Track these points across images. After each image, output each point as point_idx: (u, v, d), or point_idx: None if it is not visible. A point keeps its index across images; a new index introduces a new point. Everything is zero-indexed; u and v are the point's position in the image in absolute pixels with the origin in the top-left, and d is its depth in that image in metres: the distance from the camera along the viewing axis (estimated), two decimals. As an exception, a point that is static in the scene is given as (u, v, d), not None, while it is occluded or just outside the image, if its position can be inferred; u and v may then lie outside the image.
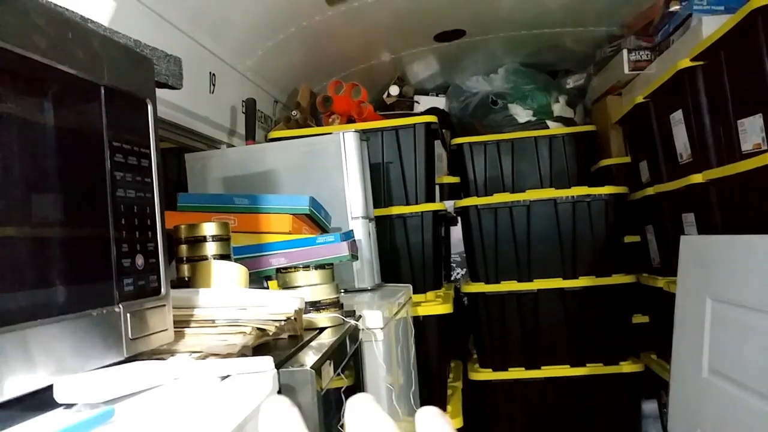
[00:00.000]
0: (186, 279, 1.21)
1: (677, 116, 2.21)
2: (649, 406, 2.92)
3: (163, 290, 0.86)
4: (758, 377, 1.50)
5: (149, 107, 0.88)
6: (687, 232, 2.23)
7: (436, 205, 2.54)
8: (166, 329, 0.86)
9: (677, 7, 2.36)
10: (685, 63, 2.04)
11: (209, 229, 1.24)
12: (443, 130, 3.15)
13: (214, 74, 2.17)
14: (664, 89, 2.26)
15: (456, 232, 3.23)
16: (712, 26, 1.91)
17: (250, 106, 2.42)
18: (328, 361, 1.01)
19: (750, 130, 1.73)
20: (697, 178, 2.04)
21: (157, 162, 0.87)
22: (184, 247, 1.24)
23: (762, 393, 1.48)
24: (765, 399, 1.46)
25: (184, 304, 0.95)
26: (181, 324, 0.93)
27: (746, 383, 1.55)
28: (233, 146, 2.37)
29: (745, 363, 1.58)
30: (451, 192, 3.17)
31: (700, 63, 2.00)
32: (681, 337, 1.98)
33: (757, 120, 1.68)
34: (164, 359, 0.85)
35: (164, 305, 0.86)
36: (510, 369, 2.85)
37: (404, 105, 3.33)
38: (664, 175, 2.41)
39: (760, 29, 1.60)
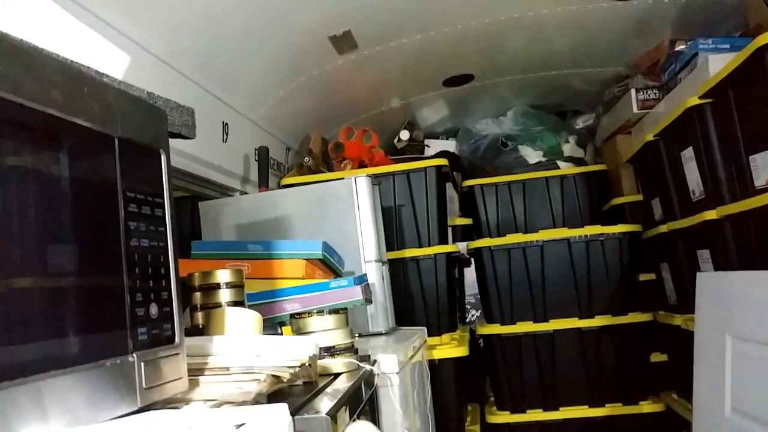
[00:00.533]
0: (200, 326, 1.21)
1: (688, 153, 2.21)
2: (673, 448, 2.84)
3: (177, 339, 0.86)
4: (785, 417, 1.46)
5: (163, 157, 0.90)
6: (703, 269, 2.20)
7: (449, 247, 2.54)
8: (181, 378, 0.85)
9: (683, 46, 2.39)
10: (694, 101, 2.05)
11: (223, 276, 1.25)
12: (454, 173, 3.17)
13: (226, 123, 2.21)
14: (673, 127, 2.27)
15: (470, 274, 3.21)
16: (718, 64, 1.92)
17: (262, 153, 2.45)
18: (343, 407, 1.00)
19: (762, 165, 1.73)
20: (711, 214, 2.03)
21: (170, 211, 0.88)
22: (198, 295, 1.25)
23: (790, 434, 1.43)
24: (794, 440, 1.42)
25: (199, 351, 0.95)
26: (196, 372, 0.93)
27: (773, 423, 1.51)
28: (246, 193, 2.40)
29: (770, 402, 1.54)
30: (464, 233, 3.17)
31: (709, 101, 2.01)
32: (702, 375, 1.93)
33: (768, 155, 1.68)
34: (179, 408, 0.85)
35: (178, 354, 0.85)
36: (528, 411, 2.79)
37: (415, 149, 3.36)
38: (677, 212, 2.40)
39: (767, 65, 1.61)
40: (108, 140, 0.79)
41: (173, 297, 0.87)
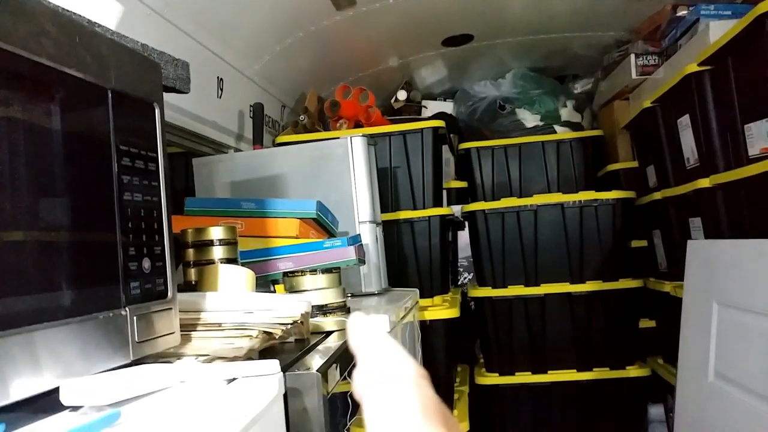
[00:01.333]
0: (193, 283, 1.21)
1: (684, 121, 2.20)
2: (656, 411, 2.91)
3: (170, 294, 0.86)
4: (764, 381, 1.49)
5: (156, 111, 0.89)
6: (694, 237, 2.22)
7: (443, 210, 2.55)
8: (173, 332, 0.86)
9: (684, 12, 2.35)
10: (693, 68, 2.03)
11: (216, 233, 1.25)
12: (451, 135, 3.15)
13: (221, 79, 2.18)
14: (671, 94, 2.26)
15: (463, 237, 3.22)
16: (719, 31, 1.90)
17: (257, 110, 2.43)
18: (334, 365, 1.01)
19: (757, 134, 1.73)
20: (704, 182, 2.03)
21: (164, 166, 0.88)
22: (191, 251, 1.25)
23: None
24: (773, 405, 1.45)
25: (191, 307, 0.95)
26: (188, 327, 0.94)
27: (752, 387, 1.54)
28: (241, 151, 2.38)
29: (751, 367, 1.57)
30: (459, 197, 3.17)
31: (708, 68, 2.00)
32: (687, 341, 1.97)
33: (764, 125, 1.68)
34: (171, 362, 0.86)
35: (171, 308, 0.86)
36: (516, 373, 2.84)
37: (412, 110, 3.33)
38: (672, 179, 2.40)
39: (767, 34, 1.60)
40: (101, 92, 0.78)
41: (166, 252, 0.87)
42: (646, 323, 2.87)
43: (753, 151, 1.76)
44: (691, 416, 1.89)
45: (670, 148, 2.39)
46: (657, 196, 2.53)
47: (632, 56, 2.70)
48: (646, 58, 2.69)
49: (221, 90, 2.19)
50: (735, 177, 1.83)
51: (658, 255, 2.71)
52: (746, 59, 1.77)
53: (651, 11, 2.62)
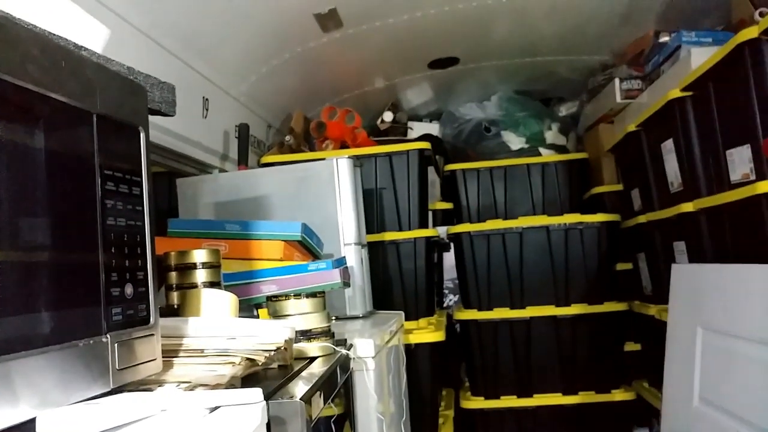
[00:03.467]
0: (175, 306, 1.20)
1: (668, 145, 2.23)
2: (642, 435, 2.90)
3: (152, 320, 0.85)
4: (748, 406, 1.49)
5: (141, 135, 0.88)
6: (678, 261, 2.23)
7: (429, 232, 2.54)
8: (155, 359, 0.85)
9: (667, 38, 2.40)
10: (675, 93, 2.06)
11: (199, 256, 1.23)
12: (437, 156, 3.16)
13: (207, 99, 2.18)
14: (655, 118, 2.29)
15: (449, 258, 3.22)
16: (700, 58, 1.94)
17: (243, 130, 2.42)
18: (318, 392, 1.00)
19: (738, 160, 1.75)
20: (688, 206, 2.05)
21: (148, 190, 0.87)
22: (173, 274, 1.23)
23: (752, 422, 1.47)
24: (755, 428, 1.45)
25: (173, 333, 0.94)
26: (170, 353, 0.92)
27: (736, 412, 1.55)
28: (225, 171, 2.37)
29: (735, 392, 1.57)
30: (444, 218, 3.18)
31: (690, 93, 2.03)
32: (672, 365, 1.97)
33: (745, 150, 1.70)
34: (152, 390, 0.84)
35: (153, 335, 0.84)
36: (502, 397, 2.82)
37: (398, 131, 3.35)
38: (656, 203, 2.43)
39: (747, 61, 1.63)
40: (86, 116, 0.77)
41: (149, 277, 0.85)
42: (631, 346, 2.88)
43: (735, 176, 1.78)
44: (676, 441, 1.89)
45: (654, 171, 2.41)
46: (642, 219, 2.55)
47: (617, 80, 2.74)
48: (630, 82, 2.73)
49: (206, 110, 2.18)
50: (717, 202, 1.85)
51: (643, 278, 2.72)
52: (727, 86, 1.80)
53: (635, 36, 2.66)
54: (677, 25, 2.35)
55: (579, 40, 2.80)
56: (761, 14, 1.77)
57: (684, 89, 2.03)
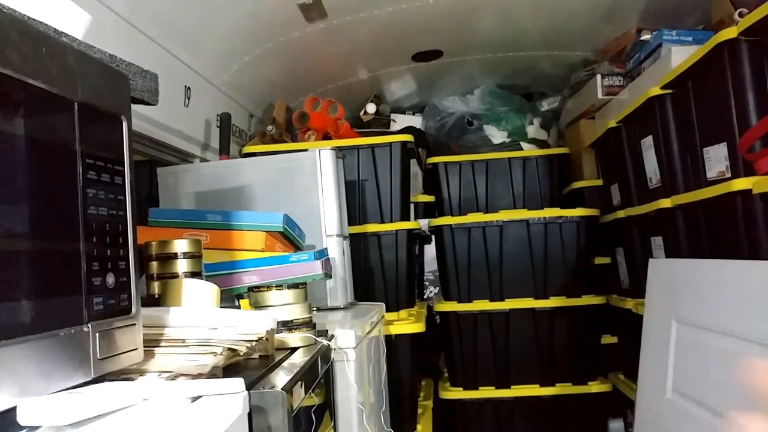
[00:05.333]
0: (156, 296, 1.19)
1: (648, 141, 2.26)
2: (616, 425, 2.95)
3: (133, 309, 0.85)
4: (719, 398, 1.53)
5: (124, 124, 0.87)
6: (655, 255, 2.27)
7: (410, 224, 2.55)
8: (136, 349, 0.84)
9: (648, 36, 2.42)
10: (655, 91, 2.09)
11: (181, 246, 1.23)
12: (419, 149, 3.17)
13: (189, 88, 2.16)
14: (635, 115, 2.32)
15: (430, 251, 3.24)
16: (680, 56, 1.96)
17: (224, 120, 2.41)
18: (299, 382, 1.00)
19: (714, 158, 1.78)
20: (666, 202, 2.09)
21: (130, 179, 0.86)
22: (154, 264, 1.23)
23: (723, 413, 1.50)
24: (725, 419, 1.49)
25: (155, 323, 0.94)
26: (151, 343, 0.92)
27: (708, 404, 1.58)
28: (207, 161, 2.36)
29: (707, 384, 1.61)
30: (426, 211, 3.19)
31: (669, 91, 2.06)
32: (647, 357, 2.01)
33: (722, 148, 1.73)
34: (133, 379, 0.84)
35: (135, 324, 0.84)
36: (480, 388, 2.85)
37: (381, 123, 3.35)
38: (635, 198, 2.46)
39: (726, 61, 1.65)
40: (67, 104, 0.77)
41: (131, 267, 0.85)
42: (608, 339, 2.92)
43: (711, 173, 1.82)
44: (649, 431, 1.92)
45: (633, 167, 2.45)
46: (620, 214, 2.58)
47: (598, 76, 2.76)
48: (612, 79, 2.76)
49: (188, 99, 2.17)
50: (694, 198, 1.88)
51: (620, 272, 2.76)
52: (705, 85, 1.83)
53: (617, 33, 2.68)
54: (659, 23, 2.38)
55: (562, 35, 2.82)
56: (740, 15, 1.80)
57: (664, 87, 2.06)
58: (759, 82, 1.60)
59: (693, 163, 1.93)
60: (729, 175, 1.71)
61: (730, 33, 1.61)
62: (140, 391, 0.77)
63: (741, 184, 1.60)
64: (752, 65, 1.61)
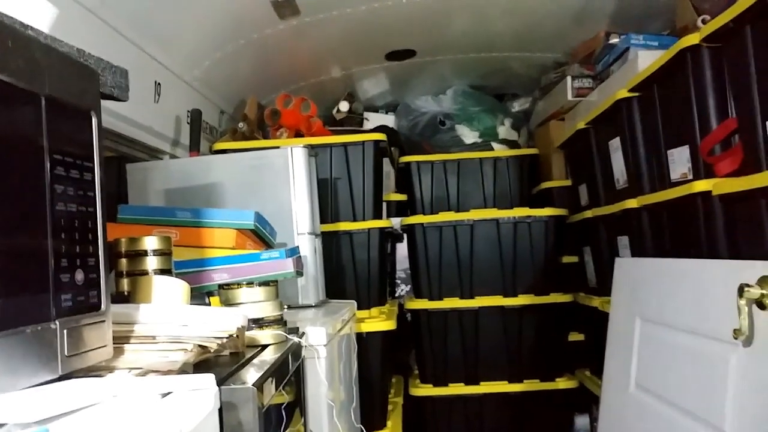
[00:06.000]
0: (126, 293, 1.18)
1: (615, 143, 2.31)
2: (581, 421, 3.01)
3: (103, 306, 0.84)
4: (680, 393, 1.58)
5: (94, 119, 0.87)
6: (621, 255, 2.32)
7: (382, 222, 2.57)
8: (105, 345, 0.84)
9: (617, 39, 2.47)
10: (623, 94, 2.14)
11: (150, 243, 1.22)
12: (392, 148, 3.19)
13: (159, 83, 2.14)
14: (603, 117, 2.36)
15: (402, 249, 3.26)
16: (647, 61, 2.01)
17: (195, 116, 2.39)
18: (270, 379, 1.01)
19: (678, 160, 1.83)
20: (632, 203, 2.14)
21: (101, 176, 0.86)
22: (123, 261, 1.22)
23: (683, 408, 1.55)
24: (685, 413, 1.54)
25: (125, 319, 0.93)
26: (121, 340, 0.91)
27: (669, 399, 1.63)
28: (177, 157, 2.33)
29: (667, 379, 1.66)
30: (398, 209, 3.21)
31: (636, 94, 2.10)
32: (612, 354, 2.06)
33: (684, 151, 1.78)
34: (102, 376, 0.83)
35: (104, 321, 0.84)
36: (450, 384, 2.88)
37: (353, 121, 3.35)
38: (602, 198, 2.51)
39: (689, 66, 1.70)
40: (34, 99, 0.76)
41: (100, 263, 0.85)
42: (575, 336, 2.98)
43: (674, 175, 1.86)
44: (612, 426, 1.97)
45: (601, 168, 2.49)
46: (588, 214, 2.63)
47: (568, 78, 2.80)
48: (582, 81, 2.80)
49: (158, 95, 2.14)
50: (658, 199, 1.93)
51: (588, 271, 2.81)
52: (670, 89, 1.87)
53: (587, 36, 2.73)
54: (627, 27, 2.43)
55: (534, 37, 2.86)
56: (703, 21, 1.84)
57: (631, 90, 2.10)
58: (720, 87, 1.65)
59: (658, 164, 1.98)
60: (691, 176, 1.76)
61: (692, 39, 1.65)
62: (109, 388, 0.77)
63: (702, 185, 1.65)
64: (713, 71, 1.65)
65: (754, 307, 1.29)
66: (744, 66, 1.45)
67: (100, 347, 0.83)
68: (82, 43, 1.04)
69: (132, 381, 0.81)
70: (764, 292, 1.27)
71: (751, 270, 1.32)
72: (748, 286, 1.28)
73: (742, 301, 1.29)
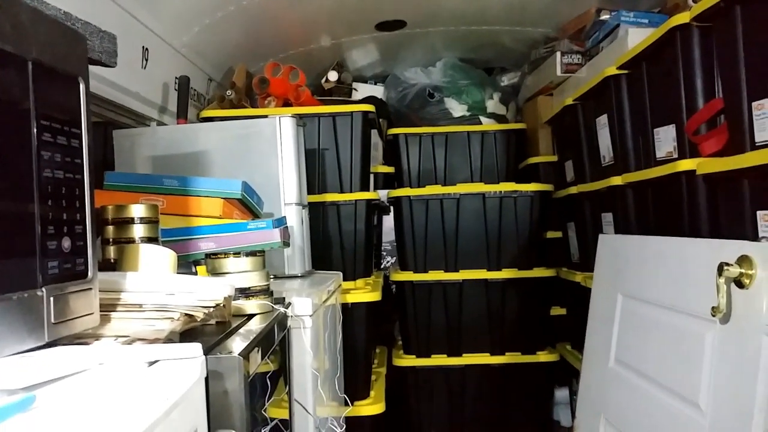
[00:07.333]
0: (112, 261, 1.18)
1: (603, 120, 2.32)
2: (561, 393, 3.08)
3: (90, 273, 0.84)
4: (657, 368, 1.62)
5: (81, 85, 0.86)
6: (605, 231, 2.35)
7: (369, 194, 2.57)
8: (92, 313, 0.84)
9: (607, 16, 2.46)
10: (612, 71, 2.14)
11: (137, 211, 1.22)
12: (380, 120, 3.17)
13: (147, 49, 2.10)
14: (592, 93, 2.37)
15: (388, 221, 3.27)
16: (636, 38, 2.01)
17: (183, 83, 2.36)
18: (255, 348, 1.02)
19: (664, 138, 1.85)
20: (617, 180, 2.16)
21: (88, 142, 0.85)
22: (110, 228, 1.22)
23: (660, 383, 1.59)
24: (662, 388, 1.58)
25: (111, 287, 0.93)
26: (108, 308, 0.92)
27: (646, 373, 1.67)
28: (164, 124, 2.31)
29: (646, 354, 1.69)
30: (386, 181, 3.21)
31: (625, 72, 2.10)
32: (593, 329, 2.09)
33: (671, 130, 1.79)
34: (88, 344, 0.84)
35: (91, 289, 0.84)
36: (433, 356, 2.93)
37: (342, 91, 3.33)
38: (588, 175, 2.53)
39: (678, 45, 1.70)
40: (20, 63, 0.75)
41: (88, 231, 0.85)
42: (557, 311, 3.02)
43: (660, 153, 1.88)
44: (591, 399, 2.02)
45: (588, 145, 2.51)
46: (573, 190, 2.65)
47: (558, 54, 2.80)
48: (571, 57, 2.80)
49: (146, 60, 2.11)
50: (643, 177, 1.95)
51: (571, 246, 2.85)
52: (658, 67, 1.88)
53: (578, 12, 2.71)
54: (618, 3, 2.42)
55: (525, 11, 2.84)
56: (694, 0, 1.84)
57: (620, 67, 2.10)
58: (708, 67, 1.65)
59: (644, 142, 2.00)
60: (677, 155, 1.78)
61: (683, 18, 1.66)
62: (96, 356, 0.78)
63: (686, 165, 1.67)
64: (702, 50, 1.66)
65: (733, 286, 1.32)
66: (732, 46, 1.46)
67: (86, 315, 0.83)
68: (68, 5, 1.03)
69: (118, 349, 0.81)
70: (743, 270, 1.29)
71: (731, 249, 1.35)
72: (727, 264, 1.31)
73: (721, 280, 1.32)
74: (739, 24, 1.44)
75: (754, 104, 1.39)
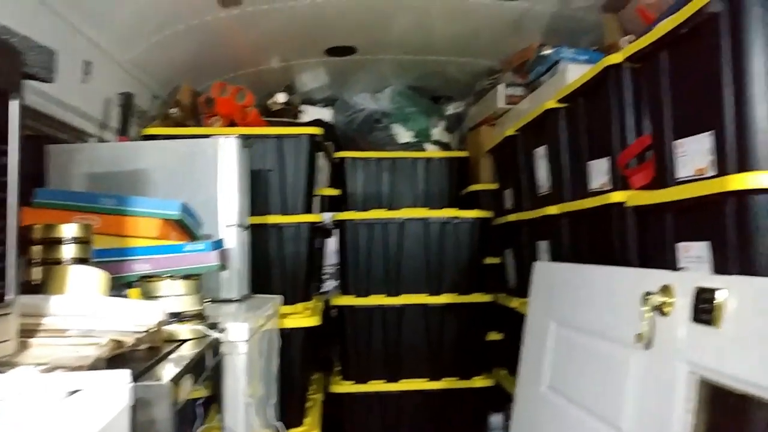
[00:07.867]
0: (35, 283, 1.14)
1: (541, 151, 2.40)
2: (496, 419, 3.11)
3: (8, 296, 0.81)
4: (586, 393, 1.66)
5: (12, 102, 0.84)
6: (541, 258, 2.41)
7: (313, 217, 2.56)
8: (8, 340, 0.81)
9: (549, 51, 2.55)
10: (551, 104, 2.22)
11: (68, 230, 1.19)
12: (327, 143, 3.18)
13: (89, 62, 2.06)
14: (531, 125, 2.45)
15: (331, 244, 3.27)
16: (575, 74, 2.09)
17: (126, 100, 2.32)
18: (187, 375, 1.00)
19: (596, 171, 1.92)
20: (553, 209, 2.23)
21: (17, 162, 0.83)
22: (37, 248, 1.18)
23: (587, 407, 1.64)
24: (589, 413, 1.62)
25: (33, 311, 0.90)
26: (28, 334, 0.88)
27: (576, 399, 1.72)
28: (104, 141, 2.26)
29: (576, 380, 1.74)
30: (331, 204, 3.21)
31: (564, 105, 2.19)
32: (527, 355, 2.14)
33: (604, 163, 1.87)
34: (3, 372, 0.81)
35: (9, 313, 0.81)
36: (371, 381, 2.91)
37: (290, 113, 3.32)
38: (525, 204, 2.60)
39: (610, 83, 1.79)
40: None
41: (9, 253, 0.82)
42: (494, 336, 3.07)
43: (594, 185, 1.96)
44: (525, 425, 2.05)
45: (526, 174, 2.58)
46: (512, 218, 2.72)
47: (501, 85, 2.89)
48: (514, 89, 2.89)
49: (87, 75, 2.07)
50: (578, 207, 2.02)
51: (509, 273, 2.91)
52: (594, 102, 1.96)
53: (521, 46, 2.81)
54: (559, 40, 2.52)
55: (472, 43, 2.92)
56: (628, 41, 1.94)
57: (559, 101, 2.18)
58: (638, 104, 1.74)
59: (579, 174, 2.07)
60: (610, 187, 1.85)
61: (616, 58, 1.74)
62: (11, 385, 0.75)
63: (617, 197, 1.74)
64: (634, 89, 1.75)
65: (657, 313, 1.38)
66: (658, 88, 1.54)
67: (2, 341, 0.80)
68: (8, 16, 1.00)
69: (36, 377, 0.78)
70: (665, 300, 1.36)
71: (654, 278, 1.41)
72: (650, 293, 1.37)
73: (645, 308, 1.38)
74: (666, 67, 1.52)
75: (676, 142, 1.47)
